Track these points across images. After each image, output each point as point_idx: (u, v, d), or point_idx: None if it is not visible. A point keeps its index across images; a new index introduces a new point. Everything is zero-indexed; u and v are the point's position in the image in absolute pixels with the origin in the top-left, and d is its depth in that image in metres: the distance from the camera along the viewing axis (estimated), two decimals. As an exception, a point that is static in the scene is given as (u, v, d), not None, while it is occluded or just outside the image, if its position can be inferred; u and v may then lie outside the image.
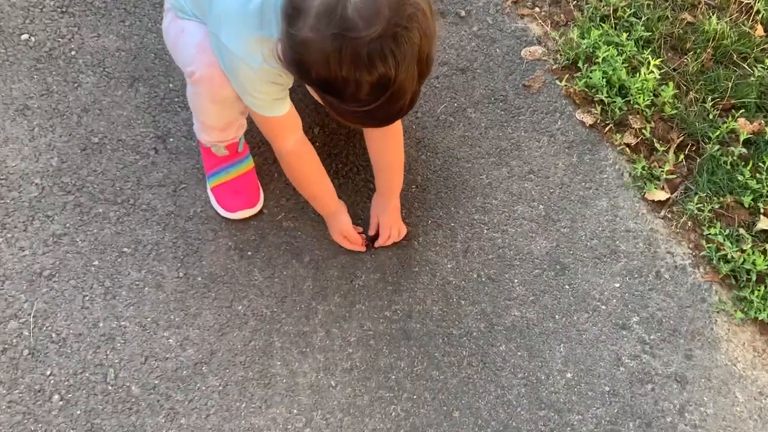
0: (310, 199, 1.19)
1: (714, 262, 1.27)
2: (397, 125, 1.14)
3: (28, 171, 1.28)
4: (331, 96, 0.78)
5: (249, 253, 1.23)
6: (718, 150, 1.36)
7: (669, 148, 1.38)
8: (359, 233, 1.22)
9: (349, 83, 0.75)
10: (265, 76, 0.95)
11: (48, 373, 1.13)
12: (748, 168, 1.33)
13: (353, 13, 0.73)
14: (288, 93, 1.03)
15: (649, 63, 1.41)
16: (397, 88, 0.76)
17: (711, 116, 1.40)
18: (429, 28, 0.77)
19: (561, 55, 1.46)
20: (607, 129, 1.39)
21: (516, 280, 1.24)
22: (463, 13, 1.50)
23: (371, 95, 0.75)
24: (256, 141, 1.31)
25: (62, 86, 1.36)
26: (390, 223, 1.21)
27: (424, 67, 0.78)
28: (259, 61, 0.91)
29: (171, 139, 1.32)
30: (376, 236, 1.24)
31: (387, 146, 1.14)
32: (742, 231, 1.27)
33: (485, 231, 1.29)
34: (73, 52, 1.40)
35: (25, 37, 1.40)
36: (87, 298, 1.19)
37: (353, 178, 1.32)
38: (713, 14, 1.48)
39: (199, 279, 1.21)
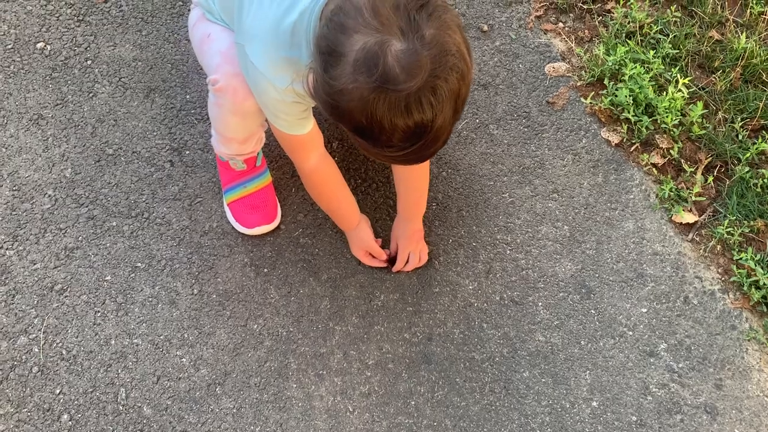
0: (331, 213, 1.17)
1: (744, 288, 1.24)
2: None
3: (41, 182, 1.26)
4: (364, 140, 0.77)
5: (265, 270, 1.21)
6: (747, 172, 1.33)
7: (697, 169, 1.35)
8: (382, 248, 1.20)
9: (384, 130, 0.73)
10: (289, 97, 0.93)
11: (57, 391, 1.10)
12: (780, 191, 1.30)
13: (394, 63, 0.70)
14: (311, 111, 1.01)
15: (677, 81, 1.39)
16: (433, 135, 0.74)
17: (740, 137, 1.37)
18: (468, 74, 0.75)
19: (586, 71, 1.43)
20: (633, 148, 1.37)
21: (540, 304, 1.22)
22: (485, 28, 1.49)
23: (406, 141, 0.74)
24: (274, 155, 1.31)
25: (77, 96, 1.35)
26: (410, 248, 1.19)
27: (459, 107, 0.77)
28: (286, 83, 0.89)
29: (187, 152, 1.31)
30: (395, 259, 1.21)
31: (412, 169, 1.12)
32: (773, 256, 1.24)
33: (508, 251, 1.26)
34: (88, 62, 1.38)
35: (40, 45, 1.39)
36: (99, 314, 1.16)
37: (372, 194, 1.30)
38: (742, 32, 1.46)
39: (214, 296, 1.19)
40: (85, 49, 1.39)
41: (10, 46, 1.39)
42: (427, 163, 1.14)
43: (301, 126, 1.00)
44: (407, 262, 1.20)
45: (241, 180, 1.23)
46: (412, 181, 1.14)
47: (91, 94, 1.35)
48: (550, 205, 1.30)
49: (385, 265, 1.20)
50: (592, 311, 1.22)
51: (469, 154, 1.34)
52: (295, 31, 0.86)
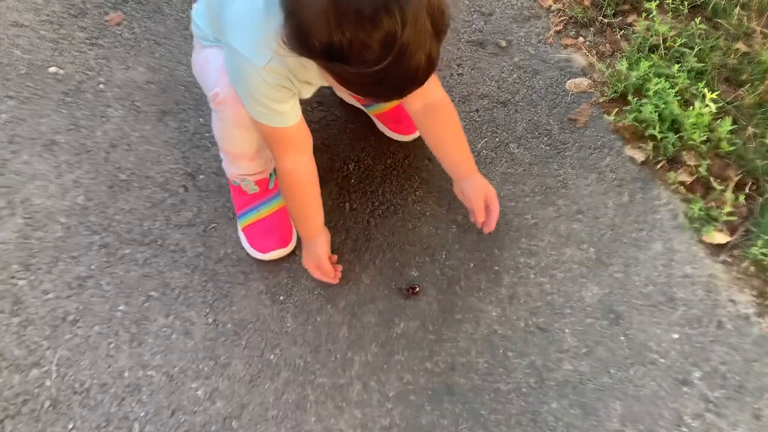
0: (297, 220, 1.15)
1: (781, 311, 1.18)
2: (444, 103, 1.09)
3: (53, 209, 1.25)
4: (337, 62, 0.73)
5: (281, 297, 1.19)
6: (781, 189, 1.28)
7: (727, 186, 1.30)
8: (334, 263, 1.18)
9: (353, 44, 0.70)
10: (271, 77, 0.91)
11: (70, 426, 1.07)
12: (815, 209, 1.24)
13: None
14: (298, 105, 0.98)
15: (704, 96, 1.34)
16: (407, 43, 0.70)
17: (771, 153, 1.32)
18: None
19: (608, 87, 1.40)
20: (659, 166, 1.33)
21: (567, 330, 1.18)
22: (503, 44, 1.46)
23: (380, 53, 0.70)
24: None
25: (90, 121, 1.33)
26: (481, 199, 1.13)
27: (438, 19, 0.73)
28: (267, 58, 0.88)
29: (201, 176, 1.30)
30: (410, 289, 1.20)
31: (440, 125, 1.08)
32: (811, 278, 1.18)
33: (532, 275, 1.23)
34: (101, 86, 1.37)
35: (53, 69, 1.38)
36: (112, 345, 1.14)
37: (390, 217, 1.28)
38: (770, 44, 1.41)
39: (229, 326, 1.16)
40: (98, 72, 1.38)
41: (23, 72, 1.38)
42: (453, 114, 1.10)
43: (282, 117, 0.97)
44: (491, 216, 1.15)
45: (255, 204, 1.22)
46: (445, 139, 1.11)
47: (103, 119, 1.34)
48: (574, 226, 1.27)
49: (335, 281, 1.17)
50: (621, 337, 1.18)
51: (489, 174, 1.32)
52: (269, 3, 0.84)
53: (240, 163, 1.14)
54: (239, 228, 1.23)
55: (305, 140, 1.04)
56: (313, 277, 1.19)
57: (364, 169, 1.32)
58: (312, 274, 1.17)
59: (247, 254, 1.22)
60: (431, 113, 1.09)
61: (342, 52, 0.72)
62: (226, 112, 1.02)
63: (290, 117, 0.98)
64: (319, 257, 1.14)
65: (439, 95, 1.09)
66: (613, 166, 1.33)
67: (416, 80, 0.76)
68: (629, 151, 1.35)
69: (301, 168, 1.05)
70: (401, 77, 0.74)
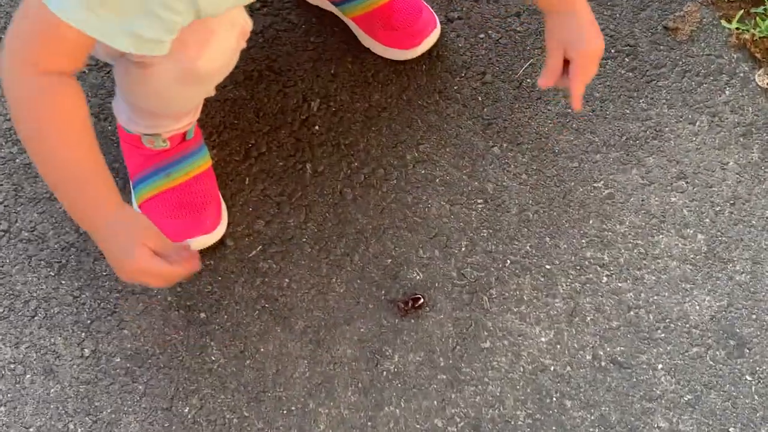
0: (62, 186, 0.98)
1: None
2: None
3: None
4: None
5: (202, 315, 1.19)
6: None
7: None
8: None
9: None
10: None
11: None
12: None
13: None
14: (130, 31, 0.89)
15: None
16: None
17: None
18: None
19: (728, -23, 1.40)
20: (809, 103, 1.33)
21: (660, 366, 1.18)
22: None
23: None
24: (215, 122, 1.29)
25: None
26: (588, 53, 1.07)
27: None
28: None
29: None
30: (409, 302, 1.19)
31: None
32: None
33: (604, 278, 1.22)
34: None
35: None
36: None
37: (377, 186, 1.26)
38: None
39: (118, 359, 1.16)
40: None
41: None
42: None
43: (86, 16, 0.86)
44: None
45: (161, 164, 1.20)
46: None
47: None
48: (673, 199, 1.27)
49: (196, 265, 0.97)
50: (747, 377, 1.18)
51: (536, 118, 1.32)
52: None
53: (158, 121, 1.16)
54: (134, 202, 1.23)
55: (83, 52, 0.93)
56: (253, 286, 1.19)
57: (336, 109, 1.31)
58: (141, 281, 1.00)
59: (147, 245, 1.23)
60: None
61: None
62: (167, 65, 0.99)
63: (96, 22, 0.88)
64: (152, 230, 0.97)
65: None
66: (735, 103, 1.33)
67: None
68: (762, 80, 1.34)
69: (72, 85, 0.94)
70: None
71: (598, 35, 1.09)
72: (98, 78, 1.30)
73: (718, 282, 1.22)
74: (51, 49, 0.92)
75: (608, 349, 1.18)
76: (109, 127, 1.25)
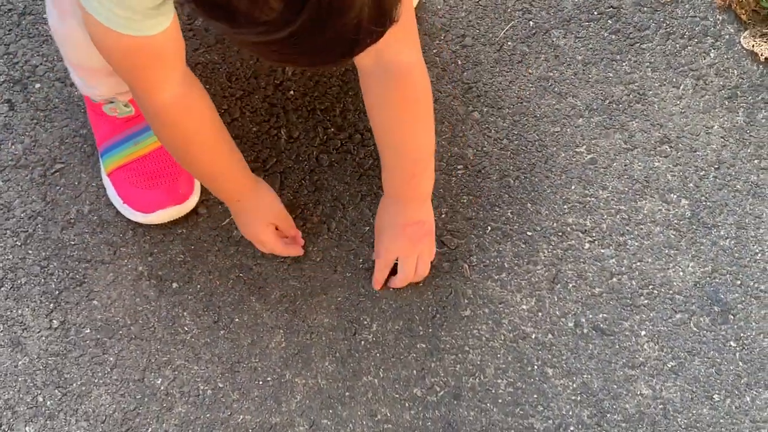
0: (203, 177, 1.17)
1: None
2: (411, 71, 1.07)
3: None
4: (221, 22, 0.72)
5: (174, 285, 1.20)
6: None
7: None
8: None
9: None
10: None
11: None
12: None
13: None
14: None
15: None
16: None
17: None
18: None
19: (714, -65, 1.38)
20: (795, 66, 1.33)
21: (643, 333, 1.18)
22: None
23: (285, 12, 0.68)
24: None
25: None
26: (402, 249, 1.17)
27: None
28: None
29: (37, 85, 1.29)
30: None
31: (394, 105, 1.07)
32: None
33: (587, 245, 1.22)
34: None
35: None
36: None
37: (354, 152, 1.26)
38: None
39: (88, 331, 1.17)
40: None
41: None
42: (421, 90, 1.08)
43: (154, 22, 0.90)
44: (395, 274, 1.18)
45: (128, 132, 1.21)
46: (402, 130, 1.10)
47: None
48: (656, 164, 1.27)
49: (299, 252, 1.20)
50: (732, 343, 1.18)
51: (517, 81, 1.31)
52: None
53: (97, 80, 1.13)
54: (103, 172, 1.23)
55: (179, 46, 0.99)
56: (227, 255, 1.21)
57: (311, 73, 1.31)
58: (267, 248, 1.19)
59: (117, 214, 1.22)
60: (385, 80, 1.06)
61: (227, 9, 0.70)
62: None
63: (163, 19, 0.92)
64: (278, 211, 1.18)
65: (408, 59, 1.06)
66: (720, 66, 1.32)
67: (352, 47, 0.75)
68: (747, 42, 1.33)
69: (184, 93, 1.02)
70: (326, 43, 0.72)
71: (421, 237, 1.17)
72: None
73: (702, 247, 1.21)
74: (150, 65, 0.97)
75: (590, 316, 1.18)
76: (76, 92, 1.25)
